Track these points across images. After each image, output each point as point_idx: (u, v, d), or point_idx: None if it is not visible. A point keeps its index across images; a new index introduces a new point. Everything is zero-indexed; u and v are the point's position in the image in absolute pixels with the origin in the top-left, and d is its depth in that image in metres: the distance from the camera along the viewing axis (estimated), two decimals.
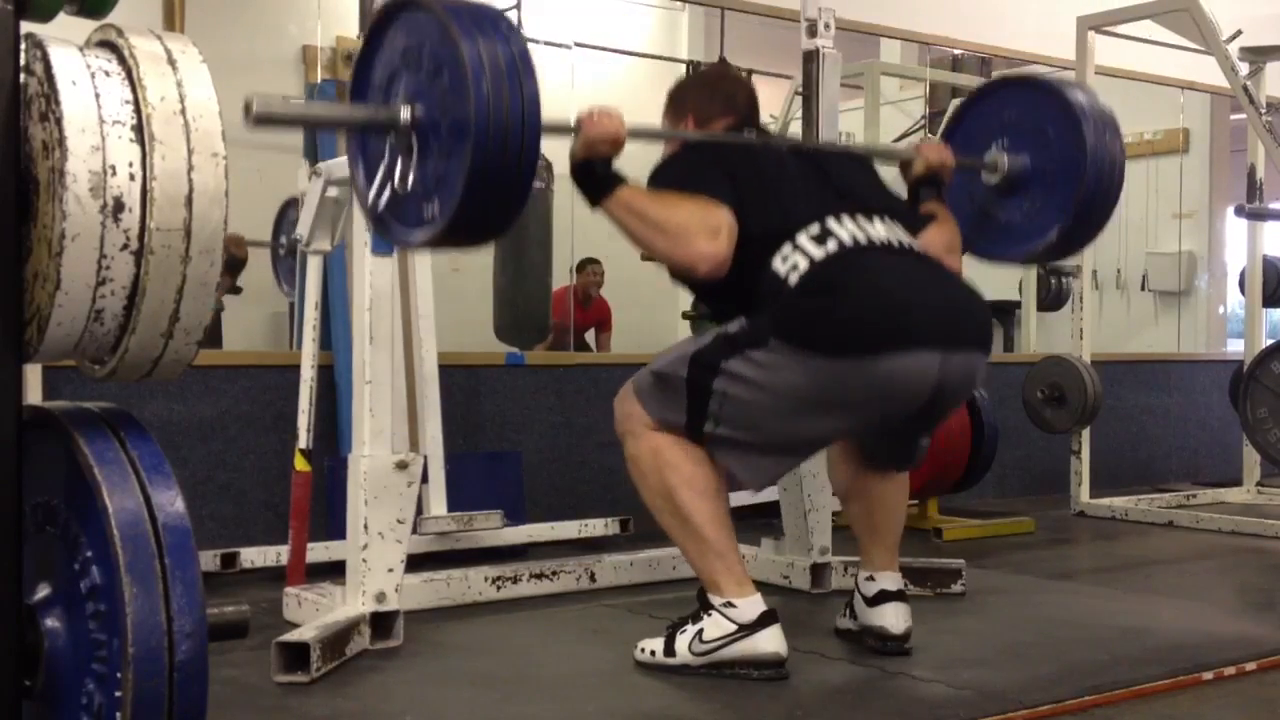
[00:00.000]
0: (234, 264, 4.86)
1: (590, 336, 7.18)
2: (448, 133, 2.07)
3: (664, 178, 2.68)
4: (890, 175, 3.00)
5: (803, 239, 2.55)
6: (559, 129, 2.50)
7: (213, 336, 5.71)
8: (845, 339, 2.46)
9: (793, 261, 2.53)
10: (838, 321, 2.47)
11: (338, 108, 2.59)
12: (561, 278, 6.10)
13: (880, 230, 2.62)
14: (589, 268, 6.89)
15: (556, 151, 6.35)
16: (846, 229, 2.58)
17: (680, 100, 2.96)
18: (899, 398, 2.52)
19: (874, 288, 2.51)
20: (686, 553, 2.67)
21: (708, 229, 2.50)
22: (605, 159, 2.53)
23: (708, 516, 2.59)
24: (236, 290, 6.04)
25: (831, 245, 2.55)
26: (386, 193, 2.20)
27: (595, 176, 2.54)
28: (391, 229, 2.25)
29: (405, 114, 2.13)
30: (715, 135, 2.82)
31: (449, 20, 2.03)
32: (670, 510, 2.62)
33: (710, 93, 2.95)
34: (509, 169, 2.04)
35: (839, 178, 2.74)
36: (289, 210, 4.53)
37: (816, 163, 2.78)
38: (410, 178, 2.15)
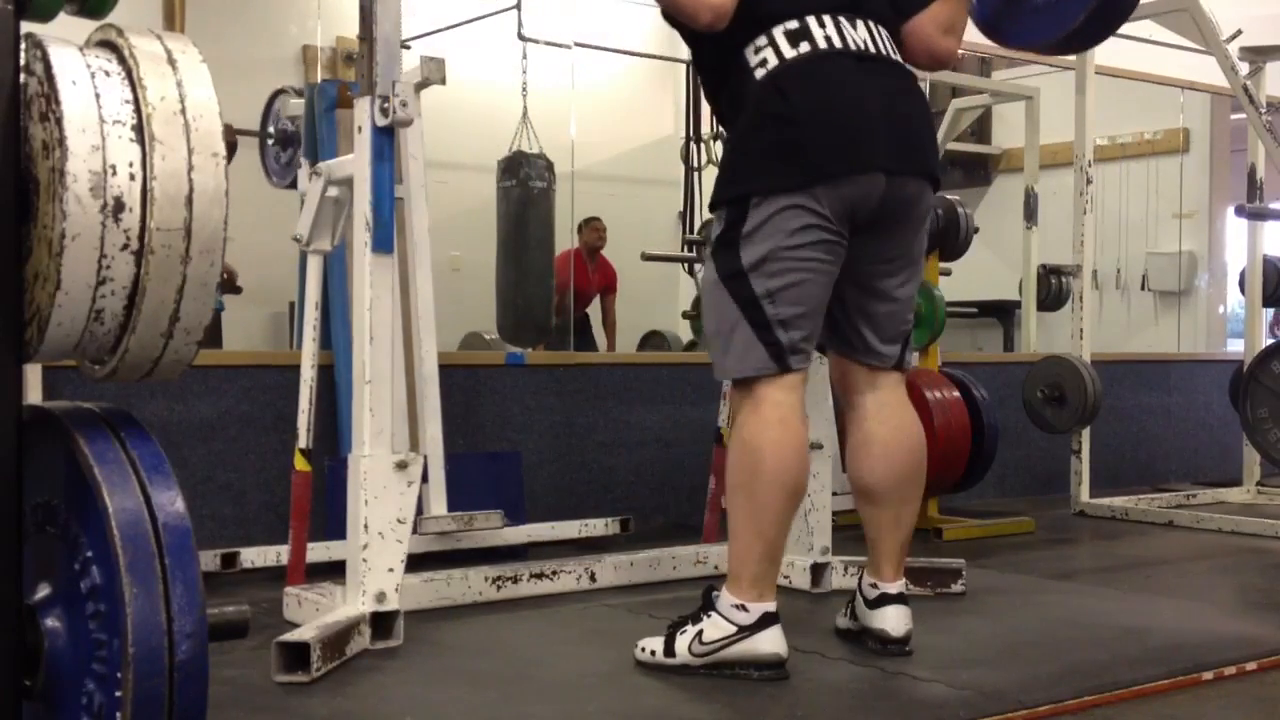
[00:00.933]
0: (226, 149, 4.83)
1: (594, 312, 7.14)
2: None
3: None
4: None
5: (777, 32, 2.60)
6: None
7: (213, 336, 5.71)
8: (800, 167, 2.54)
9: (763, 56, 2.60)
10: (792, 148, 2.55)
11: None
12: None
13: (860, 34, 2.65)
14: (591, 223, 6.86)
15: (557, 151, 6.36)
16: (825, 30, 2.62)
17: None
18: (854, 214, 2.61)
19: (830, 105, 2.57)
20: (738, 537, 2.61)
21: None
22: None
23: (778, 515, 2.58)
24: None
25: (803, 47, 2.59)
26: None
27: None
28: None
29: None
30: None
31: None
32: (748, 491, 2.59)
33: None
34: None
35: None
36: (277, 98, 4.51)
37: None
38: None
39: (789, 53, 2.59)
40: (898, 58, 2.72)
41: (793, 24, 2.61)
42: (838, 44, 2.61)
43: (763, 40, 2.60)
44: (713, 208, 2.76)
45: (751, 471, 2.58)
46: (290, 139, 4.34)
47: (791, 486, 2.60)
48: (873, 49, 2.66)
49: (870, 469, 2.82)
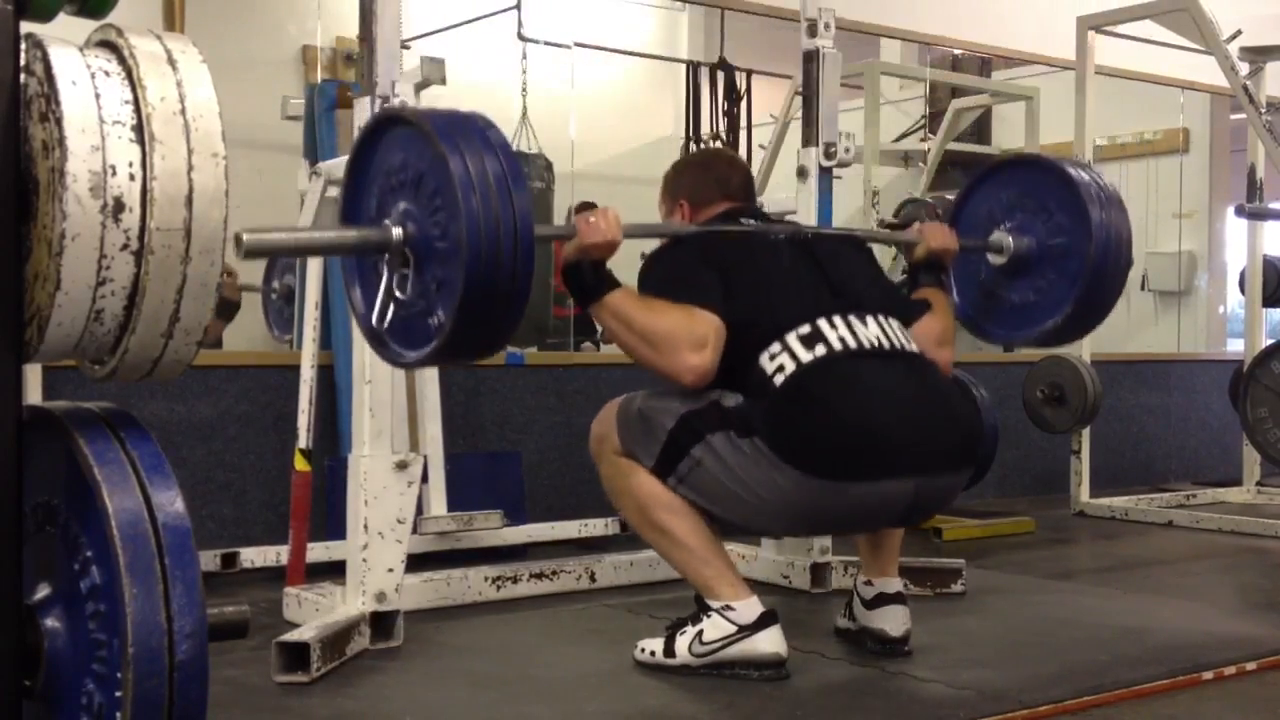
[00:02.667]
0: (227, 308, 4.81)
1: None
2: (440, 251, 2.02)
3: (654, 276, 2.66)
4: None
5: (791, 339, 2.55)
6: (554, 235, 2.45)
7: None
8: (823, 463, 2.48)
9: (779, 362, 2.54)
10: (817, 444, 2.48)
11: (328, 233, 2.56)
12: None
13: (872, 331, 2.62)
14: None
15: (558, 152, 6.35)
16: (837, 331, 2.58)
17: (674, 185, 2.96)
18: (870, 518, 2.61)
19: (856, 406, 2.51)
20: (676, 565, 2.68)
21: (694, 340, 2.50)
22: (598, 262, 2.51)
23: (686, 530, 2.61)
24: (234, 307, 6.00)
25: (820, 350, 2.54)
26: (383, 312, 2.13)
27: (585, 281, 2.52)
28: (388, 347, 2.19)
29: (397, 234, 2.06)
30: (708, 229, 2.79)
31: (434, 135, 1.98)
32: (648, 526, 2.65)
33: (704, 176, 2.94)
34: (502, 285, 1.98)
35: (834, 270, 2.72)
36: (277, 264, 4.53)
37: (812, 253, 2.75)
38: (405, 296, 2.09)
39: (805, 357, 2.53)
40: (913, 347, 2.68)
41: (805, 329, 2.56)
42: (852, 344, 2.57)
43: (777, 347, 2.55)
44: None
45: (639, 512, 2.65)
46: (292, 295, 4.37)
47: (678, 508, 2.61)
48: (886, 344, 2.62)
49: None
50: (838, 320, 2.59)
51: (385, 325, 2.15)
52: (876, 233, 3.00)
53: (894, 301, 2.79)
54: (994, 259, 3.03)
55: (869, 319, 2.63)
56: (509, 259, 1.98)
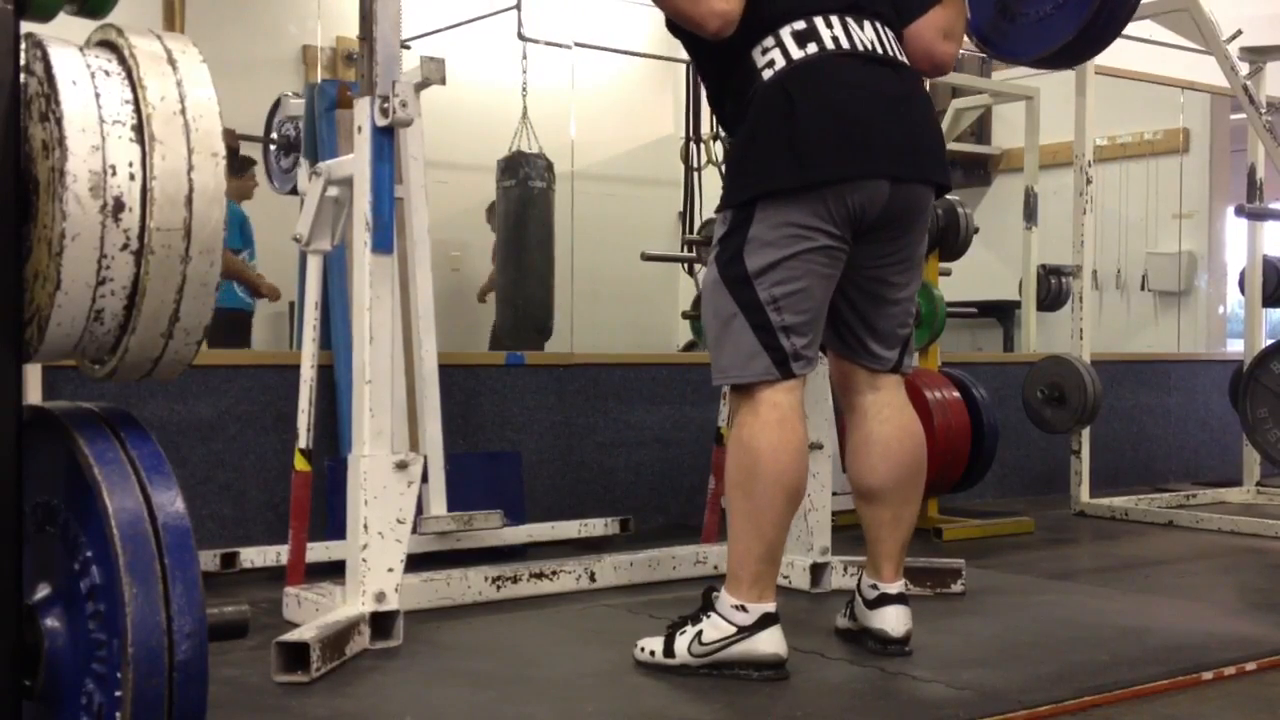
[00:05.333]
0: (229, 156, 4.84)
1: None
2: None
3: None
4: None
5: (785, 33, 2.59)
6: None
7: (242, 335, 5.70)
8: (806, 170, 2.53)
9: (770, 56, 2.59)
10: (798, 150, 2.53)
11: None
12: (562, 278, 6.10)
13: (868, 35, 2.64)
14: None
15: (557, 151, 6.34)
16: (832, 30, 2.61)
17: None
18: (857, 219, 2.60)
19: (837, 108, 2.56)
20: (738, 538, 2.61)
21: None
22: None
23: (778, 516, 2.58)
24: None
25: (811, 48, 2.58)
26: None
27: None
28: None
29: None
30: None
31: None
32: (746, 491, 2.58)
33: None
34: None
35: None
36: (280, 104, 4.51)
37: None
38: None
39: (796, 54, 2.58)
40: (904, 59, 2.71)
41: (800, 24, 2.60)
42: (845, 45, 2.60)
43: (770, 41, 2.59)
44: (719, 210, 2.74)
45: (750, 472, 2.58)
46: (293, 145, 4.35)
47: (791, 487, 2.59)
48: (879, 50, 2.65)
49: (871, 469, 2.82)
50: (834, 20, 2.62)
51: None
52: None
53: (895, 10, 2.77)
54: None
55: (866, 23, 2.66)
56: None
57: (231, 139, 4.84)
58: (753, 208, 2.58)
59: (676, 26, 2.72)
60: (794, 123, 2.55)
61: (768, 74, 2.58)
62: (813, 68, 2.57)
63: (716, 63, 2.70)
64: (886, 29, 2.70)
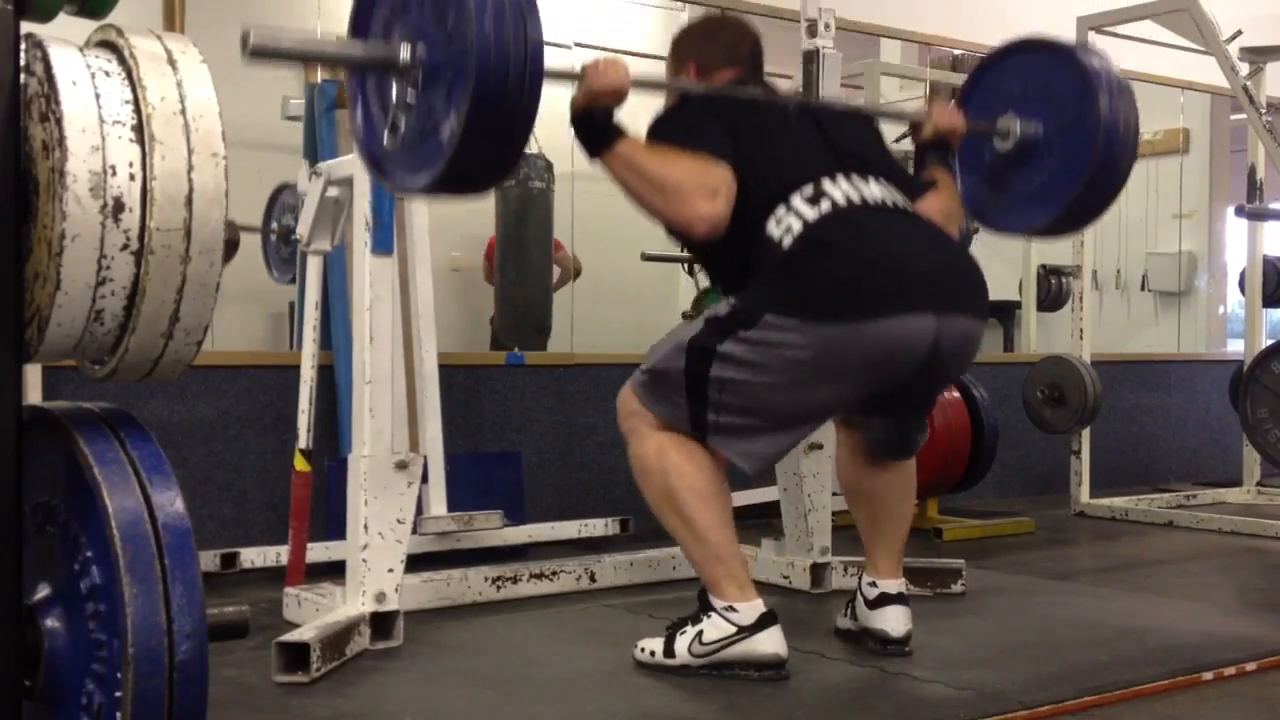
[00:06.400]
0: (226, 247, 4.83)
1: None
2: (448, 73, 2.00)
3: (664, 131, 2.63)
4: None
5: (796, 200, 2.53)
6: (562, 75, 2.43)
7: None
8: (840, 302, 2.43)
9: (786, 224, 2.51)
10: (832, 284, 2.45)
11: (335, 45, 2.53)
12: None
13: (875, 190, 2.60)
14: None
15: (557, 151, 6.34)
16: (840, 189, 2.56)
17: (683, 47, 2.92)
18: (895, 361, 2.48)
19: (868, 248, 2.49)
20: (689, 555, 2.66)
21: (706, 188, 2.48)
22: (606, 110, 2.48)
23: (711, 521, 2.59)
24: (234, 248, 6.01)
25: (825, 205, 2.53)
26: (385, 136, 2.11)
27: (595, 127, 2.48)
28: (390, 174, 2.17)
29: (405, 53, 2.05)
30: (718, 88, 2.76)
31: None
32: (673, 512, 2.61)
33: (713, 41, 2.90)
34: (510, 113, 1.97)
35: (839, 136, 2.70)
36: (281, 196, 4.51)
37: (818, 120, 2.74)
38: (409, 120, 2.07)
39: (812, 214, 2.51)
40: (914, 211, 2.65)
41: (808, 189, 2.55)
42: (856, 200, 2.55)
43: (782, 211, 2.52)
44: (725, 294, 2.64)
45: (665, 494, 2.60)
46: (291, 234, 4.36)
47: (706, 491, 2.59)
48: (889, 202, 2.60)
49: (868, 473, 2.84)
50: (840, 179, 2.58)
51: (387, 149, 2.13)
52: (883, 107, 2.94)
53: (899, 175, 2.76)
54: (999, 144, 2.98)
55: (871, 180, 2.61)
56: (517, 85, 1.97)
57: (232, 231, 4.82)
58: (761, 316, 2.47)
59: (673, 231, 2.65)
60: (826, 263, 2.47)
61: (788, 240, 2.49)
62: (834, 220, 2.51)
63: (728, 246, 2.55)
64: (891, 184, 2.65)
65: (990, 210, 3.07)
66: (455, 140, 1.97)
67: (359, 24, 2.20)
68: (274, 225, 4.60)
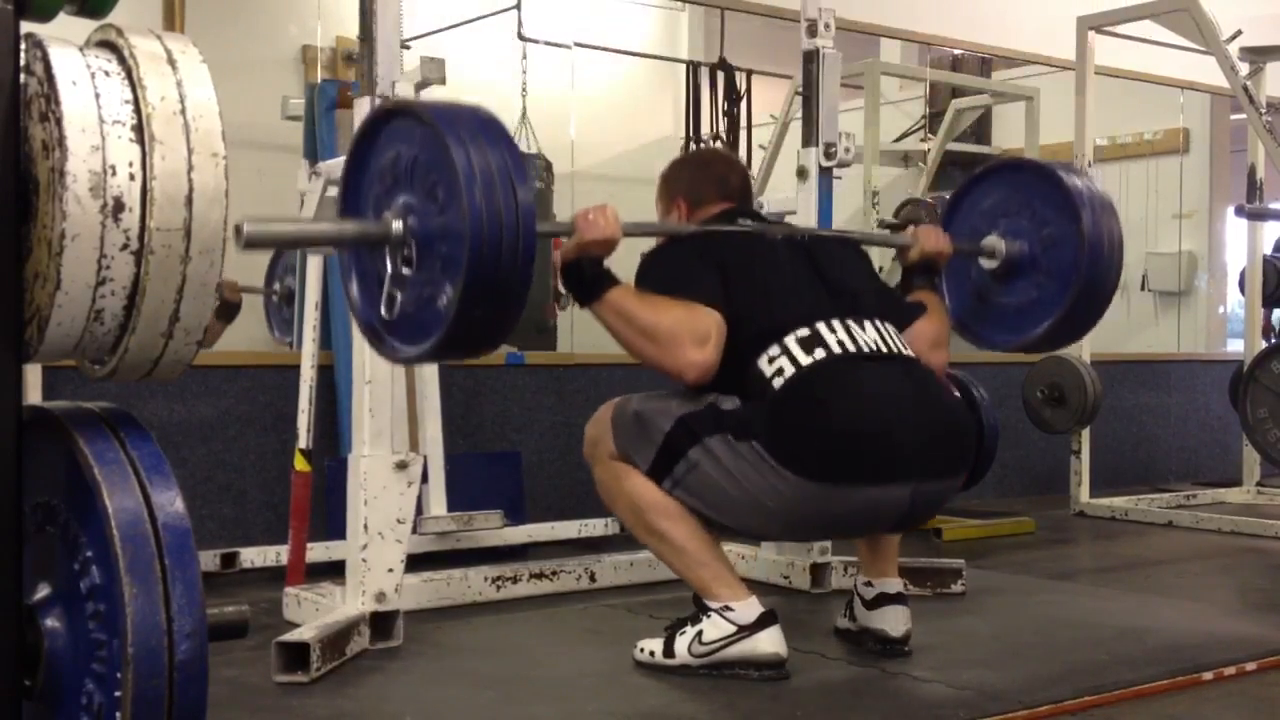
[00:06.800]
0: (228, 309, 4.80)
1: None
2: (441, 246, 2.01)
3: (653, 274, 2.65)
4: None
5: (790, 341, 2.54)
6: (555, 232, 2.45)
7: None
8: (822, 466, 2.47)
9: (779, 365, 2.52)
10: (815, 448, 2.48)
11: (328, 226, 2.56)
12: None
13: (870, 336, 2.61)
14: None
15: (557, 151, 6.34)
16: (836, 335, 2.57)
17: (672, 184, 2.95)
18: (866, 523, 2.60)
19: (857, 408, 2.51)
20: (672, 568, 2.68)
21: (696, 336, 2.50)
22: (597, 259, 2.50)
23: (682, 534, 2.61)
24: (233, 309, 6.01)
25: (819, 353, 2.53)
26: (381, 307, 2.12)
27: (585, 278, 2.51)
28: (385, 343, 2.18)
29: (397, 227, 2.06)
30: (707, 228, 2.78)
31: (438, 127, 1.98)
32: (644, 529, 2.65)
33: (702, 176, 2.94)
34: (504, 280, 1.98)
35: (831, 273, 2.72)
36: (282, 257, 4.51)
37: (809, 254, 2.75)
38: (404, 292, 2.09)
39: (805, 360, 2.52)
40: (909, 352, 2.67)
41: (804, 331, 2.56)
42: (850, 348, 2.56)
43: (775, 350, 2.54)
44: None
45: (635, 516, 2.65)
46: (293, 296, 4.37)
47: (674, 512, 2.60)
48: (884, 348, 2.61)
49: None
50: (836, 324, 2.59)
51: (383, 320, 2.14)
52: (871, 235, 3.00)
53: (890, 305, 2.79)
54: (986, 263, 3.03)
55: (866, 323, 2.63)
56: (511, 253, 1.97)
57: (233, 291, 4.81)
58: (750, 437, 2.49)
59: None
60: (815, 419, 2.49)
61: (778, 381, 2.51)
62: (826, 371, 2.52)
63: (719, 379, 2.56)
64: (886, 324, 2.67)
65: (977, 325, 3.11)
66: (453, 309, 1.99)
67: (349, 202, 2.21)
68: (276, 286, 4.60)
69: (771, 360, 2.53)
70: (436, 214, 2.01)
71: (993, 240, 3.01)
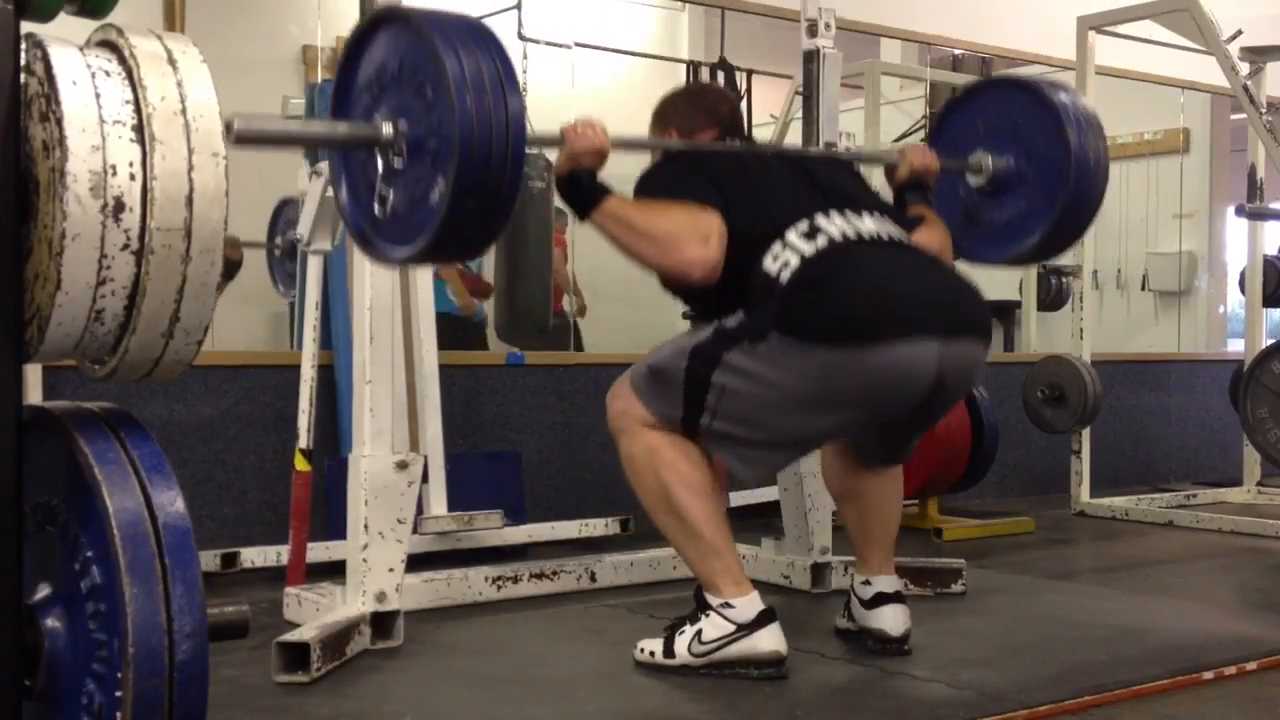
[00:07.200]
0: (229, 267, 4.83)
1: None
2: (431, 149, 2.05)
3: (649, 186, 2.67)
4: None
5: (792, 236, 2.55)
6: (543, 142, 2.49)
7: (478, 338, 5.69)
8: (845, 329, 2.45)
9: (784, 259, 2.52)
10: (836, 313, 2.46)
11: (320, 125, 2.59)
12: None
13: (870, 224, 2.62)
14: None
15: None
16: (836, 225, 2.58)
17: (664, 114, 2.96)
18: (901, 388, 2.49)
19: (869, 278, 2.51)
20: (683, 553, 2.67)
21: (698, 234, 2.51)
22: (590, 171, 2.52)
23: (704, 516, 2.59)
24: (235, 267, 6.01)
25: (821, 241, 2.54)
26: (371, 210, 2.17)
27: (581, 189, 2.53)
28: (375, 246, 2.23)
29: (388, 130, 2.10)
30: (699, 145, 2.81)
31: (432, 34, 2.02)
32: (666, 510, 2.62)
33: (692, 106, 2.96)
34: (493, 185, 2.02)
35: (824, 179, 2.73)
36: (284, 210, 4.52)
37: (802, 165, 2.78)
38: (393, 194, 2.12)
39: (809, 249, 2.53)
40: (911, 243, 2.68)
41: (803, 225, 2.57)
42: (852, 235, 2.57)
43: (778, 248, 2.54)
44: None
45: (660, 494, 2.62)
46: (294, 250, 4.37)
47: (701, 489, 2.61)
48: (885, 236, 2.62)
49: (850, 467, 2.85)
50: (834, 215, 2.60)
51: (373, 223, 2.17)
52: (859, 152, 3.02)
53: (889, 209, 2.79)
54: (973, 179, 3.07)
55: (865, 215, 2.64)
56: (501, 159, 2.01)
57: (234, 248, 4.81)
58: (767, 336, 2.48)
59: (669, 283, 2.69)
60: (829, 291, 2.48)
61: (785, 274, 2.51)
62: (832, 254, 2.53)
63: (723, 290, 2.57)
64: (885, 217, 2.68)
65: (968, 244, 3.13)
66: (443, 209, 2.02)
67: (341, 100, 2.24)
68: (278, 240, 4.60)
69: (776, 258, 2.54)
70: (427, 117, 2.05)
71: (979, 156, 3.05)
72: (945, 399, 2.62)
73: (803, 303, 2.48)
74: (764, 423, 2.55)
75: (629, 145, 2.83)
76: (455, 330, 5.70)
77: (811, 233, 2.55)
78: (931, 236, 2.81)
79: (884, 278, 2.52)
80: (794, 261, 2.52)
